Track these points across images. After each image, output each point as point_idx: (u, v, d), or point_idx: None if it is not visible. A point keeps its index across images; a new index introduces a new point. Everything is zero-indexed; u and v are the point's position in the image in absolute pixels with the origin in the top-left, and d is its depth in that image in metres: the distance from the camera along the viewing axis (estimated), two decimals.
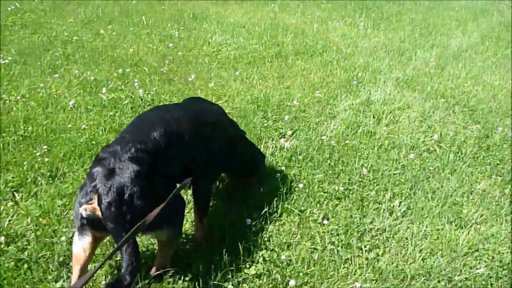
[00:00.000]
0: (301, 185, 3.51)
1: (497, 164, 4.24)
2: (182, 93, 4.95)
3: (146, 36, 6.66)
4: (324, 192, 3.52)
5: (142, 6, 8.07)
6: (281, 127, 4.45)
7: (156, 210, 2.02)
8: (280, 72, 5.87)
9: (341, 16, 8.94)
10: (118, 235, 2.06)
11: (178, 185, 2.24)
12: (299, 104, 4.93)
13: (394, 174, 3.88)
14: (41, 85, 4.83)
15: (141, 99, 4.68)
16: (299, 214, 3.27)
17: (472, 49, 7.91)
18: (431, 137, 4.56)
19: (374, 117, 4.82)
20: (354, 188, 3.62)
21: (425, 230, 3.30)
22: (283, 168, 3.79)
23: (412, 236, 3.24)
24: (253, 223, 3.12)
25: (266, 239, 3.05)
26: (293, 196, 3.43)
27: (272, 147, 4.09)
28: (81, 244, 2.27)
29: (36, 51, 5.76)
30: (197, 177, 2.75)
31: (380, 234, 3.24)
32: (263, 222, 3.15)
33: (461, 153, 4.33)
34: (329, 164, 3.89)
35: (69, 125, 4.10)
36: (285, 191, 3.45)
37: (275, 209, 3.28)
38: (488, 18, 10.53)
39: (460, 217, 3.47)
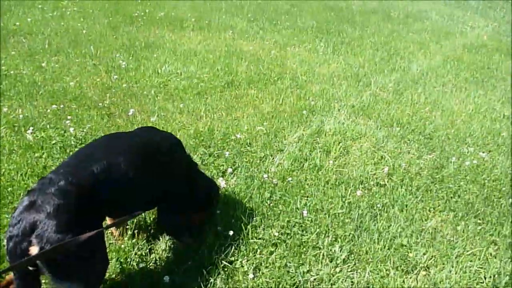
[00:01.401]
0: (231, 232, 3.18)
1: (451, 197, 4.00)
2: (120, 129, 4.61)
3: (92, 67, 6.33)
4: (258, 239, 3.19)
5: (94, 36, 7.77)
6: (222, 164, 4.14)
7: (59, 243, 1.88)
8: (231, 102, 5.60)
9: (301, 41, 8.78)
10: (16, 273, 2.01)
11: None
12: (244, 137, 4.63)
13: (338, 213, 3.58)
14: None
15: (74, 137, 4.33)
16: (225, 267, 2.93)
17: (433, 72, 7.80)
18: (382, 169, 4.30)
19: (323, 150, 4.55)
20: (292, 232, 3.30)
21: (367, 278, 2.99)
22: (217, 211, 3.45)
23: (352, 286, 2.93)
24: (172, 279, 2.77)
25: None
26: (222, 245, 3.09)
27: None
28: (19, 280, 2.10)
29: None
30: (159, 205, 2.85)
31: (317, 285, 2.92)
32: (184, 278, 2.80)
33: (413, 187, 4.07)
34: (269, 205, 3.57)
35: None
36: (212, 239, 3.12)
37: (199, 261, 2.93)
38: (451, 41, 10.54)
39: (407, 260, 3.18)
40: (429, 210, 3.80)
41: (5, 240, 1.99)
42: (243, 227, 3.22)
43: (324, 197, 3.78)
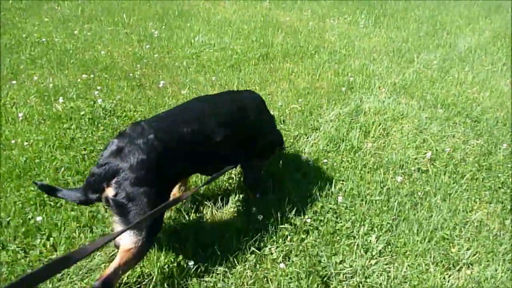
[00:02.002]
0: (261, 216, 3.01)
1: (499, 187, 3.69)
2: (150, 101, 4.48)
3: (124, 36, 6.19)
4: (290, 225, 3.00)
5: (127, 4, 7.61)
6: None
7: (148, 213, 2.08)
8: (264, 76, 5.36)
9: (341, 13, 8.36)
10: (84, 195, 2.21)
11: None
12: (278, 115, 4.41)
13: (376, 200, 3.35)
14: None
15: (102, 109, 4.22)
16: (254, 253, 2.78)
17: (481, 49, 7.28)
18: (424, 153, 4.01)
19: (362, 130, 4.28)
20: (326, 219, 3.10)
21: (404, 273, 2.78)
22: (242, 195, 3.27)
23: (388, 280, 2.72)
24: (197, 264, 2.63)
25: (211, 284, 2.57)
26: (250, 230, 2.93)
27: (239, 169, 3.59)
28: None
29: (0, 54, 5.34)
30: (244, 164, 3.01)
31: (350, 277, 2.73)
32: (208, 264, 2.66)
33: (457, 174, 3.78)
34: (301, 188, 3.37)
35: (13, 141, 3.65)
36: (241, 222, 2.96)
37: (225, 246, 2.79)
38: (502, 15, 9.84)
39: (449, 255, 2.94)
40: (475, 201, 3.51)
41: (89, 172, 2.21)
42: (274, 211, 3.04)
43: (361, 181, 3.55)
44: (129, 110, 4.28)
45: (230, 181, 3.44)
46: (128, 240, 2.20)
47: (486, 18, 9.36)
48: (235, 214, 3.10)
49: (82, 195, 2.23)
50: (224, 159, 2.75)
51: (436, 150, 4.10)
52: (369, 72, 5.72)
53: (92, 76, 4.84)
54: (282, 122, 4.34)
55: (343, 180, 3.54)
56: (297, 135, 4.14)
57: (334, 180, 3.48)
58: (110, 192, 2.15)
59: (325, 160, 3.72)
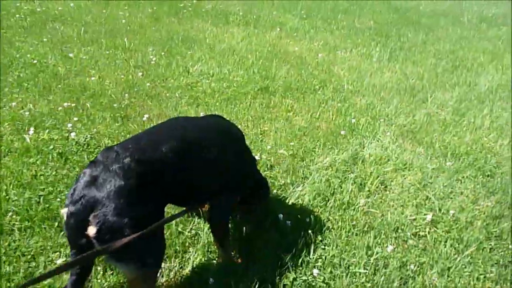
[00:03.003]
0: None
1: (509, 262, 3.17)
2: (130, 136, 4.14)
3: (121, 61, 5.94)
4: None
5: (133, 26, 7.40)
6: None
7: (128, 238, 1.84)
8: (260, 112, 4.98)
9: (355, 44, 7.96)
10: (72, 248, 1.97)
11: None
12: (265, 159, 4.01)
13: (360, 273, 2.89)
14: None
15: (76, 143, 3.91)
16: None
17: (504, 89, 6.75)
18: (425, 215, 3.54)
19: (356, 182, 3.84)
20: None
21: None
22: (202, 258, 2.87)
23: None
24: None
25: None
26: None
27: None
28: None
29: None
30: (213, 200, 2.64)
31: None
32: None
33: (461, 243, 3.28)
34: (274, 255, 2.93)
35: None
36: None
37: None
38: None
39: None
40: (477, 278, 3.01)
41: (65, 210, 1.95)
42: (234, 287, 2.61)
43: (346, 246, 3.10)
44: (104, 145, 3.95)
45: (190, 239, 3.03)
46: (133, 271, 2.06)
47: None
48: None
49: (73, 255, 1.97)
50: (207, 188, 2.55)
51: (440, 210, 3.62)
52: (375, 112, 5.28)
53: (73, 105, 4.55)
54: (269, 168, 3.94)
55: (325, 245, 3.09)
56: (283, 184, 3.73)
57: (314, 245, 3.03)
58: (91, 231, 1.89)
59: (308, 219, 3.28)
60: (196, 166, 2.37)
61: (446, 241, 3.28)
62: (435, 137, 4.85)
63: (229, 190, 2.71)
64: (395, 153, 4.43)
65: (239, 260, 2.86)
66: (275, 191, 3.62)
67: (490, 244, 3.32)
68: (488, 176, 4.26)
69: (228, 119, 3.12)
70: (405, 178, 4.06)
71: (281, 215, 3.22)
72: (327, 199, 3.58)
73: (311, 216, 3.32)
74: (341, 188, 3.73)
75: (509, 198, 3.91)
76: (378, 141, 4.66)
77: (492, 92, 6.58)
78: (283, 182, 3.76)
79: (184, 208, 2.50)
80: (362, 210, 3.50)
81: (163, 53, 6.30)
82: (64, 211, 1.96)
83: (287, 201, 3.52)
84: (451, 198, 3.86)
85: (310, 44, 7.72)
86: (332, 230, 3.24)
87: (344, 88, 5.91)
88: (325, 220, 3.34)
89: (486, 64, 7.94)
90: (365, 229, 3.32)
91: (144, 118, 4.47)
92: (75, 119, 4.28)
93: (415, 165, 4.25)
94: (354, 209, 3.49)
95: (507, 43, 9.65)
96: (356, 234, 3.25)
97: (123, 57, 6.07)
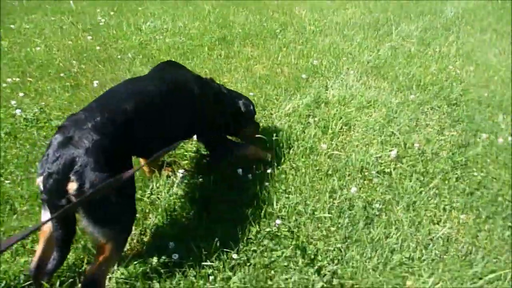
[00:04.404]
0: (176, 256, 2.50)
1: (475, 189, 3.15)
2: (83, 105, 3.93)
3: (69, 26, 5.60)
4: (218, 260, 2.50)
5: None
6: (190, 148, 3.43)
7: (101, 185, 1.84)
8: (219, 64, 4.77)
9: None
10: (52, 209, 1.93)
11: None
12: None
13: (324, 218, 2.83)
14: None
15: (24, 119, 3.71)
16: None
17: (470, 14, 6.58)
18: (389, 151, 3.47)
19: (319, 126, 3.73)
20: (260, 248, 2.59)
21: None
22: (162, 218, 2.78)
23: None
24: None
25: None
26: (165, 272, 2.43)
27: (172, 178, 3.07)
28: (44, 217, 2.08)
29: None
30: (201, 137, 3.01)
31: None
32: None
33: (427, 176, 3.24)
34: (236, 211, 2.85)
35: None
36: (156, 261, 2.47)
37: None
38: None
39: None
40: (444, 209, 2.98)
41: (41, 178, 1.92)
42: (194, 246, 2.53)
43: (311, 193, 3.03)
44: (56, 118, 3.75)
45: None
46: (107, 234, 2.04)
47: None
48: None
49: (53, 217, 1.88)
50: (176, 131, 2.66)
51: (405, 145, 3.55)
52: (338, 51, 5.11)
53: (18, 79, 4.29)
54: None
55: (288, 193, 3.01)
56: None
57: (276, 195, 2.95)
58: (72, 187, 1.90)
59: (270, 170, 3.18)
60: (160, 117, 2.46)
61: (411, 175, 3.23)
62: (400, 70, 4.72)
63: (214, 127, 3.00)
64: (359, 91, 4.31)
65: None
66: None
67: (456, 174, 3.28)
68: (454, 105, 4.19)
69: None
70: (369, 116, 3.96)
71: (240, 170, 3.11)
72: (290, 146, 3.47)
73: (273, 166, 3.23)
74: (304, 133, 3.62)
75: (474, 125, 3.85)
76: (341, 80, 4.52)
77: (458, 18, 6.42)
78: None
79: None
80: (326, 154, 3.41)
81: (112, 13, 5.95)
82: (39, 180, 1.94)
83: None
84: (417, 131, 3.78)
85: None
86: (296, 177, 3.15)
87: (306, 29, 5.68)
88: (288, 169, 3.25)
89: None
90: (329, 172, 3.24)
91: (95, 85, 4.25)
92: (21, 94, 4.04)
93: (379, 102, 4.15)
94: (317, 154, 3.40)
95: None
96: (321, 179, 3.17)
97: (70, 21, 5.72)
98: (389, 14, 6.34)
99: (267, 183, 3.05)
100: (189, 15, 5.89)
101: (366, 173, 3.25)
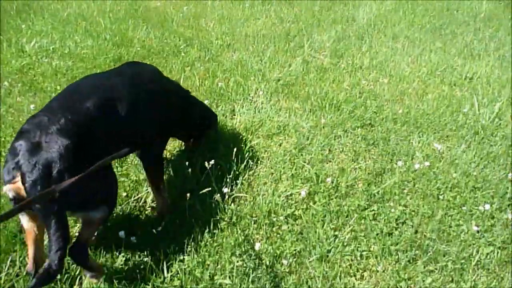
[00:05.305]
0: None
1: (393, 228, 2.86)
2: None
3: None
4: None
5: None
6: None
7: (73, 178, 1.75)
8: None
9: None
10: (46, 216, 1.89)
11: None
12: None
13: (225, 285, 2.39)
14: None
15: None
16: None
17: (383, 21, 6.46)
18: (300, 188, 3.10)
19: (221, 161, 3.28)
20: None
21: None
22: None
23: None
24: None
25: None
26: None
27: None
28: (25, 222, 2.12)
29: None
30: (144, 152, 2.73)
31: None
32: None
33: (340, 215, 2.90)
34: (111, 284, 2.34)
35: None
36: None
37: None
38: None
39: None
40: (361, 255, 2.65)
41: (9, 186, 1.91)
42: None
43: (211, 250, 2.58)
44: None
45: None
46: (98, 215, 2.19)
47: None
48: None
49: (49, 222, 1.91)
50: (137, 135, 2.56)
51: (317, 178, 3.19)
52: (247, 69, 4.71)
53: None
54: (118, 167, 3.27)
55: (184, 254, 2.54)
56: (134, 181, 3.09)
57: (168, 261, 2.47)
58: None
59: (160, 228, 2.69)
60: (121, 116, 2.37)
61: (324, 217, 2.88)
62: (312, 89, 4.40)
63: (159, 134, 2.78)
64: (269, 115, 3.94)
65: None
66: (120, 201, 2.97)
67: (373, 210, 2.98)
68: (368, 125, 3.93)
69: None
70: (279, 146, 3.59)
71: (122, 232, 2.59)
72: (183, 194, 2.98)
73: (165, 221, 2.75)
74: (202, 174, 3.13)
75: (390, 148, 3.59)
76: (250, 103, 4.12)
77: (370, 25, 6.27)
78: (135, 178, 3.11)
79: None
80: (229, 198, 2.98)
81: None
82: (7, 188, 1.92)
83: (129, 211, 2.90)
84: (331, 159, 3.46)
85: None
86: (194, 232, 2.68)
87: (213, 44, 5.24)
88: (181, 222, 2.77)
89: None
90: (233, 221, 2.81)
91: None
92: None
93: (290, 126, 3.79)
94: (217, 201, 2.91)
95: None
96: (222, 230, 2.73)
97: None
98: (300, 24, 6.05)
99: (156, 244, 2.56)
100: (83, 32, 5.23)
101: (275, 219, 2.85)
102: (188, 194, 2.76)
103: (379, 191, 3.13)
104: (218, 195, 2.83)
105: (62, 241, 1.89)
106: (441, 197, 3.09)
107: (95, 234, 2.45)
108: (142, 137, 2.60)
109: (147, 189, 2.99)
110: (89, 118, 2.18)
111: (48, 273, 1.87)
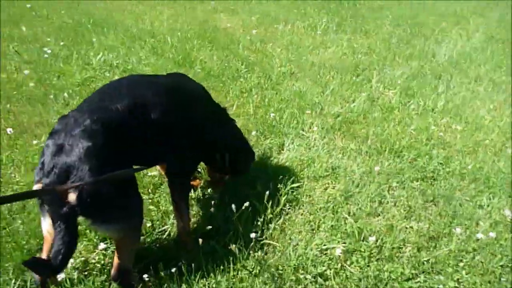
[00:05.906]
0: None
1: None
2: None
3: (13, 56, 5.02)
4: None
5: (43, 11, 6.42)
6: None
7: (78, 183, 1.84)
8: None
9: (301, 14, 7.02)
10: (54, 217, 1.86)
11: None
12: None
13: None
14: None
15: None
16: None
17: (466, 58, 5.92)
18: (338, 243, 2.76)
19: (253, 204, 3.02)
20: None
21: None
22: None
23: None
24: None
25: None
26: None
27: None
28: (45, 226, 2.10)
29: None
30: (170, 164, 2.65)
31: None
32: None
33: (379, 284, 2.53)
34: None
35: None
36: None
37: None
38: (501, 12, 8.36)
39: None
40: None
41: (38, 185, 1.93)
42: None
43: None
44: None
45: None
46: (120, 230, 2.12)
47: (480, 15, 7.91)
48: None
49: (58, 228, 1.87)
50: (163, 146, 2.49)
51: (359, 234, 2.84)
52: (306, 100, 4.45)
53: None
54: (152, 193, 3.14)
55: None
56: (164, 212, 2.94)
57: None
58: (71, 197, 1.87)
59: (174, 269, 2.49)
60: (150, 123, 2.33)
61: (359, 282, 2.53)
62: (372, 129, 4.04)
63: (188, 150, 2.65)
64: (320, 154, 3.63)
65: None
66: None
67: (418, 282, 2.57)
68: (430, 178, 3.49)
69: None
70: (325, 189, 3.28)
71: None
72: (205, 233, 2.77)
73: (182, 264, 2.55)
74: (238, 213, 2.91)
75: (450, 208, 3.14)
76: (302, 138, 3.86)
77: (452, 64, 5.75)
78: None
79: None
80: (256, 244, 2.72)
81: (62, 43, 5.36)
82: (35, 188, 1.95)
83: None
84: (380, 214, 3.08)
85: (246, 17, 6.75)
86: (209, 280, 2.45)
87: (274, 70, 5.05)
88: (198, 266, 2.56)
89: (449, 30, 7.06)
90: (255, 272, 2.54)
91: (8, 131, 3.62)
92: None
93: (341, 169, 3.46)
94: (246, 243, 2.68)
95: (477, 4, 8.72)
96: (241, 280, 2.48)
97: (14, 50, 5.14)
98: (373, 56, 5.68)
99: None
100: (149, 48, 5.28)
101: (302, 276, 2.55)
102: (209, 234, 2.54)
103: (429, 259, 2.71)
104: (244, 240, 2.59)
105: (63, 244, 1.84)
106: (503, 278, 2.60)
107: (132, 259, 2.28)
108: (171, 147, 2.53)
109: (172, 221, 2.83)
110: (118, 118, 2.16)
111: (47, 268, 1.86)
